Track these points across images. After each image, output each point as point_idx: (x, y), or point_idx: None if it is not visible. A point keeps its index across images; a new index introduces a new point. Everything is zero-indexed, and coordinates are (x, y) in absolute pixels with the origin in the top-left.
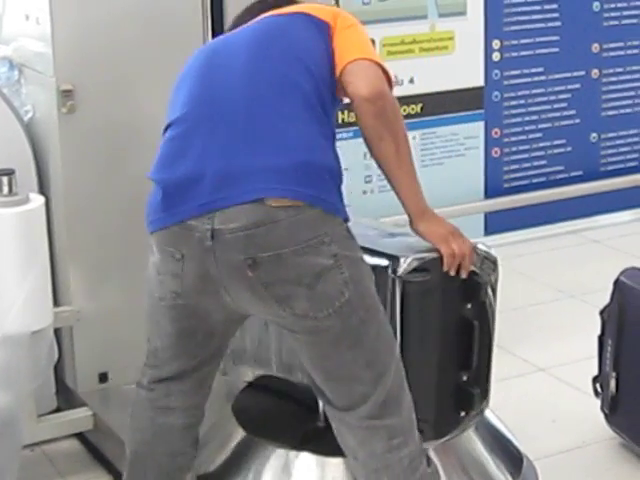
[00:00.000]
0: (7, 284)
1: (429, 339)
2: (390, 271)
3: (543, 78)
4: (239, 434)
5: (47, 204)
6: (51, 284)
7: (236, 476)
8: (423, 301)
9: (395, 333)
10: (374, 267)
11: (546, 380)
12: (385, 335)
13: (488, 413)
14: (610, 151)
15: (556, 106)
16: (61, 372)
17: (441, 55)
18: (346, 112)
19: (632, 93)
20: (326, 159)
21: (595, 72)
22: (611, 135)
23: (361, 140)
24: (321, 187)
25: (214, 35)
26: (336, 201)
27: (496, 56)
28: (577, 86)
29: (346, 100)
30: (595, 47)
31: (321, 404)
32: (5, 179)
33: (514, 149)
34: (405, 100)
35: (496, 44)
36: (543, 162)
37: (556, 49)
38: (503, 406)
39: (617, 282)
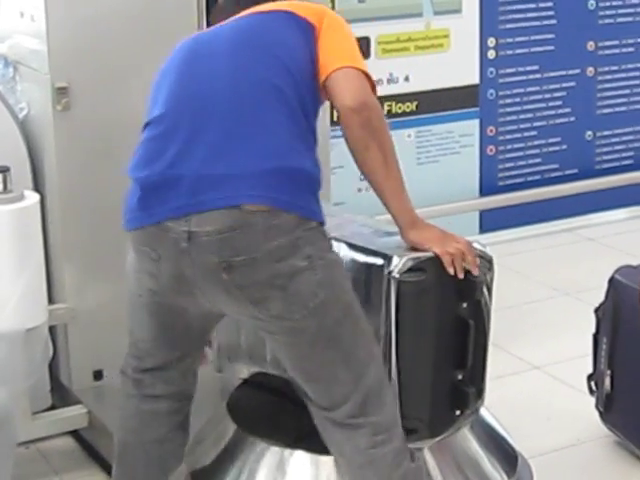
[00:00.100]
0: (2, 281)
1: (424, 338)
2: (385, 271)
3: (538, 76)
4: (234, 431)
5: (42, 201)
6: (46, 281)
7: (230, 473)
8: (418, 301)
9: (390, 333)
10: (369, 266)
11: (541, 378)
12: (363, 335)
13: (483, 411)
14: (605, 149)
15: (551, 104)
16: (56, 370)
17: (436, 53)
18: None
19: (627, 91)
20: (303, 164)
21: (590, 70)
22: (606, 133)
23: None
24: (297, 193)
25: None
26: (312, 206)
27: (491, 54)
28: (572, 84)
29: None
30: (590, 45)
31: None
32: (0, 176)
33: (509, 147)
34: (400, 98)
35: (491, 42)
36: (538, 160)
37: (551, 47)
38: (498, 404)
39: (612, 280)
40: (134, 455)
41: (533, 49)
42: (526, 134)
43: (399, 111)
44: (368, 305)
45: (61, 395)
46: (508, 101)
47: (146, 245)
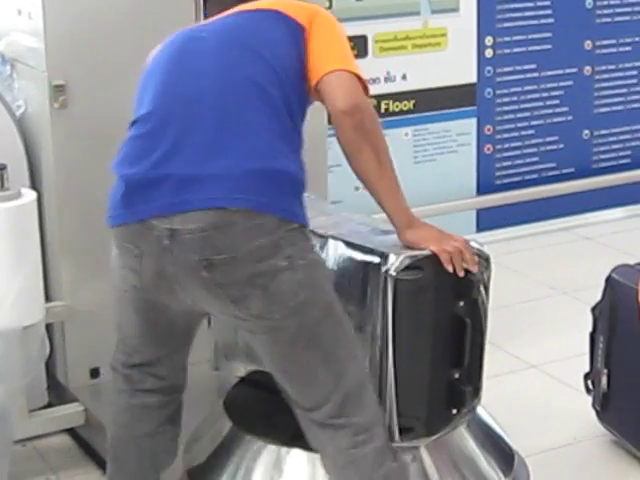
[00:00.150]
0: None
1: (421, 337)
2: (382, 269)
3: (536, 75)
4: (230, 429)
5: (39, 199)
6: (43, 279)
7: (227, 471)
8: (415, 299)
9: (387, 331)
10: (366, 264)
11: (538, 377)
12: (343, 336)
13: (480, 410)
14: (602, 148)
15: (548, 103)
16: (52, 367)
17: (434, 52)
18: None
19: (624, 90)
20: (287, 166)
21: (587, 69)
22: (603, 132)
23: None
24: (279, 195)
25: None
26: (294, 208)
27: (489, 53)
28: (569, 83)
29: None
30: (588, 44)
31: None
32: None
33: (506, 146)
34: (398, 96)
35: (489, 41)
36: (535, 159)
37: (549, 46)
38: (495, 403)
39: (609, 279)
40: (126, 450)
41: (530, 48)
42: (523, 133)
43: (396, 110)
44: (365, 303)
45: (58, 393)
46: (505, 100)
47: (129, 242)
